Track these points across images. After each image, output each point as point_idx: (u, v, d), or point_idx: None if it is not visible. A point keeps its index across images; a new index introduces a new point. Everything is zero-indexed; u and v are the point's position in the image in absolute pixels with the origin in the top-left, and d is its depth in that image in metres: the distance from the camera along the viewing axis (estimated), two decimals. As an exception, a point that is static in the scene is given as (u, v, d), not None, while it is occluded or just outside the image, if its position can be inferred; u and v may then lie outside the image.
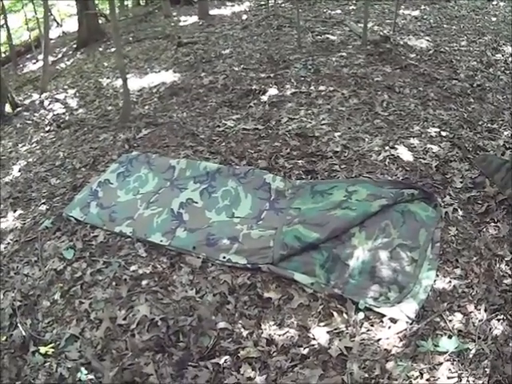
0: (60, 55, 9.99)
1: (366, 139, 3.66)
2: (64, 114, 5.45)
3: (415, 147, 3.49)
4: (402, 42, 6.14)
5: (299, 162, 3.42)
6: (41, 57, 7.75)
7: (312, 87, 4.77)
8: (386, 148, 3.50)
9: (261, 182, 3.15)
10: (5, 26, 10.33)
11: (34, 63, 10.32)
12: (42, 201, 3.53)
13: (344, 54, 5.70)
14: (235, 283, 2.45)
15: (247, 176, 3.22)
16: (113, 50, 7.65)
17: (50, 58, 9.04)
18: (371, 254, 2.50)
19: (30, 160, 4.40)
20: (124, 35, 8.99)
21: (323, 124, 3.96)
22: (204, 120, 4.39)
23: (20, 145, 4.90)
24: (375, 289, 2.34)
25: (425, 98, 4.38)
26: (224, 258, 2.59)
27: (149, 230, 2.89)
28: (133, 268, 2.65)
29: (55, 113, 5.57)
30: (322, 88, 4.71)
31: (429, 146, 3.50)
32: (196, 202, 3.11)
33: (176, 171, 3.42)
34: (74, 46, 10.15)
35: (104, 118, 4.92)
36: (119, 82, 5.79)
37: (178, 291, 2.46)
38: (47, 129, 5.08)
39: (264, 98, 4.68)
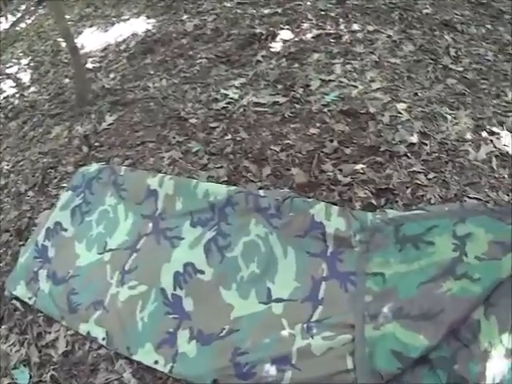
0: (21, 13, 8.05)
1: (448, 116, 2.41)
2: (14, 95, 3.99)
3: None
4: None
5: (358, 167, 2.19)
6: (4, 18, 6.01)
7: (341, 26, 3.36)
8: (483, 134, 2.28)
9: (307, 221, 1.87)
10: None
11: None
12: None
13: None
14: None
15: (283, 213, 1.92)
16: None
17: (11, 18, 7.21)
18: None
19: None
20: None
21: (375, 89, 2.67)
22: (193, 89, 3.04)
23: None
24: None
25: (501, 42, 3.06)
26: (272, 404, 1.46)
27: (132, 336, 1.72)
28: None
29: (4, 95, 4.07)
30: (355, 27, 3.32)
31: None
32: (201, 272, 1.86)
33: (159, 201, 2.13)
34: (36, -1, 8.17)
35: (58, 99, 3.48)
36: (81, 39, 4.31)
37: None
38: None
39: (276, 46, 3.28)
